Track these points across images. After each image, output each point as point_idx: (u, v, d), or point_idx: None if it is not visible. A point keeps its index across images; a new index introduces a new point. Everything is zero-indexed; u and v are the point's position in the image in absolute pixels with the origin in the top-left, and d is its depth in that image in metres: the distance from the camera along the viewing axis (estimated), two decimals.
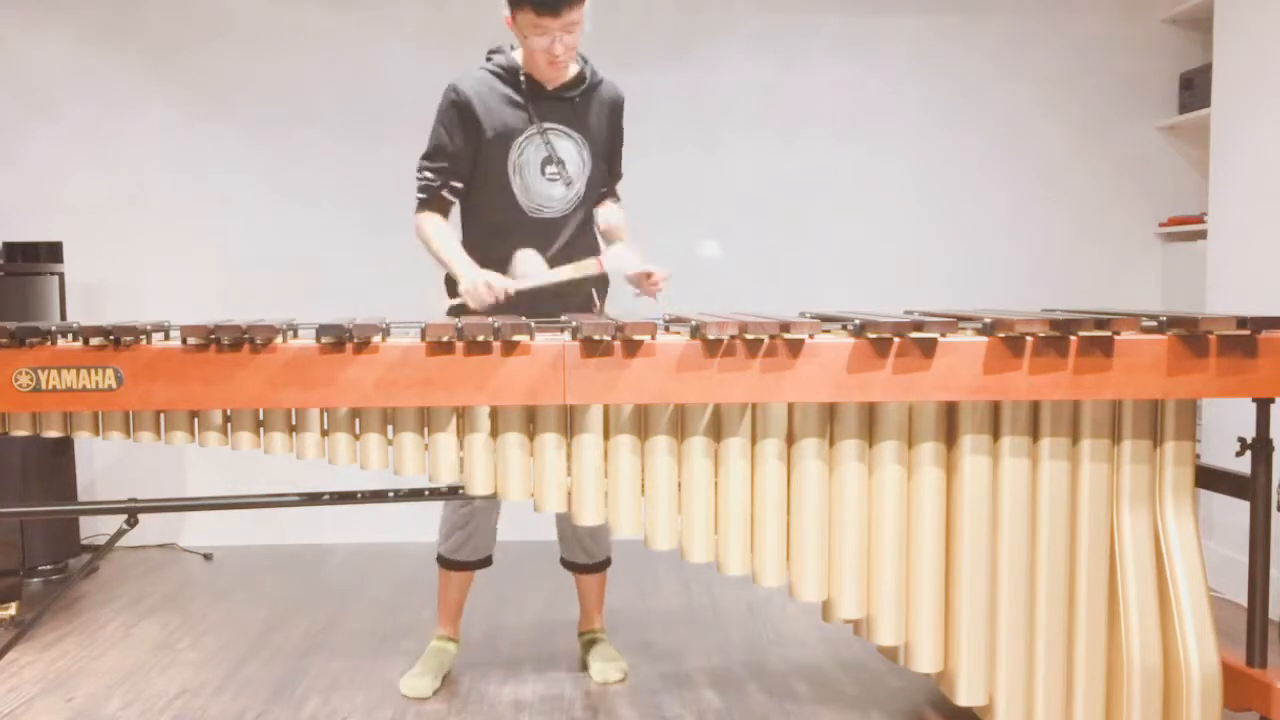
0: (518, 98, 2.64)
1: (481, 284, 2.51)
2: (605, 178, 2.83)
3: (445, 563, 2.84)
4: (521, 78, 2.64)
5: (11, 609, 3.26)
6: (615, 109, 2.78)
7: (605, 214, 2.83)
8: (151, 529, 4.14)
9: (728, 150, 4.28)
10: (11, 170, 4.21)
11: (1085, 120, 4.29)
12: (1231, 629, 2.60)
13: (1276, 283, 3.19)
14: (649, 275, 2.64)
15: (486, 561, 2.87)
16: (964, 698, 2.23)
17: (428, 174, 2.67)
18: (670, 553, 2.22)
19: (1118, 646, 2.19)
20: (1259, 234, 3.29)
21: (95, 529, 4.11)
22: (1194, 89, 4.06)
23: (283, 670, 2.94)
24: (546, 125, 2.65)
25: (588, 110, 2.70)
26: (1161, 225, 4.28)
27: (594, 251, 2.70)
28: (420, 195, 2.68)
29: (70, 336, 2.10)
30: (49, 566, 3.84)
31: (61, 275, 3.94)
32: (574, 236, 2.71)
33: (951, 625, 2.23)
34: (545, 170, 2.64)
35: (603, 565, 2.94)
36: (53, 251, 3.91)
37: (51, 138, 4.22)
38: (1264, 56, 3.27)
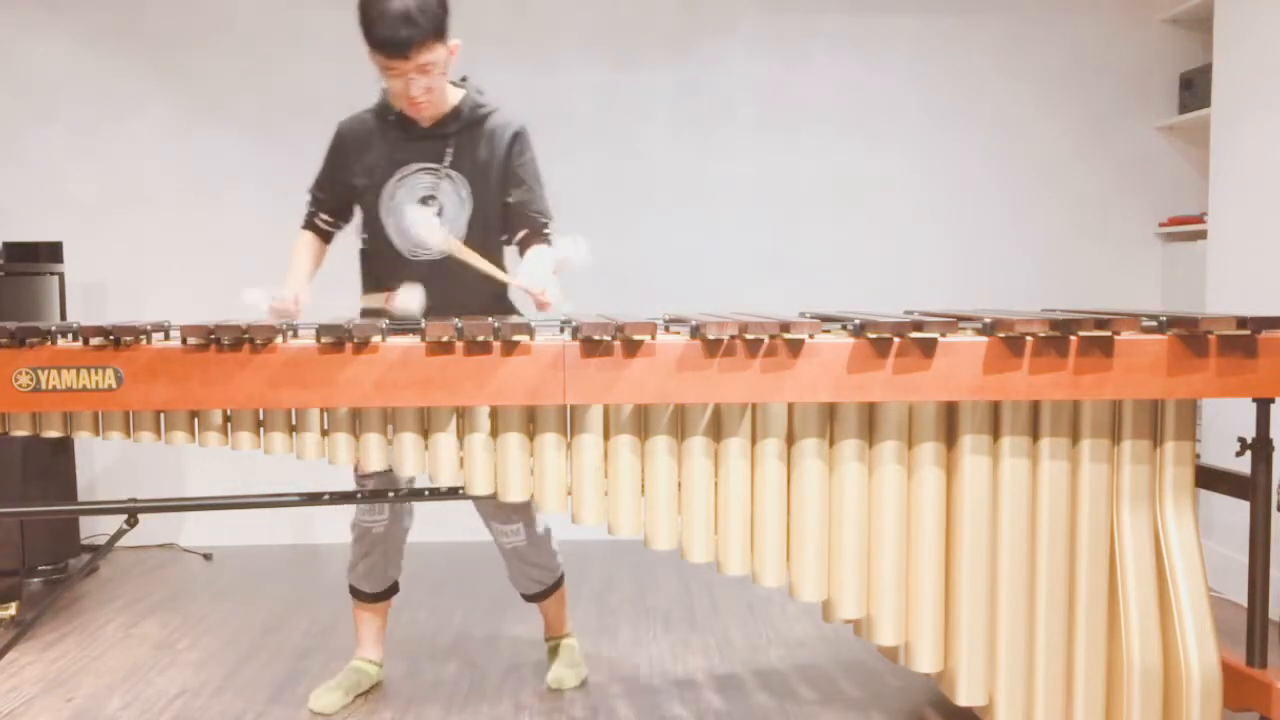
0: (390, 137, 2.55)
1: (287, 299, 2.50)
2: (513, 219, 2.60)
3: (351, 591, 2.81)
4: (392, 117, 2.55)
5: (11, 609, 3.26)
6: (508, 142, 2.56)
7: (527, 260, 2.57)
8: (151, 529, 4.13)
9: (728, 149, 4.28)
10: (11, 170, 4.21)
11: (1085, 120, 4.29)
12: (1231, 629, 2.60)
13: (1276, 283, 3.19)
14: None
15: (389, 592, 2.81)
16: (964, 698, 2.23)
17: (308, 200, 2.73)
18: (670, 553, 2.22)
19: (1118, 646, 2.19)
20: (1259, 234, 3.29)
21: (95, 529, 4.12)
22: (1194, 89, 4.06)
23: (283, 670, 2.94)
24: (420, 165, 2.53)
25: (470, 146, 2.54)
26: (1161, 225, 4.28)
27: (490, 296, 2.56)
28: (305, 215, 2.74)
29: (70, 336, 2.10)
30: (49, 566, 3.84)
31: (61, 275, 3.94)
32: (451, 282, 2.51)
33: (951, 625, 2.23)
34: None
35: (555, 586, 2.83)
36: (53, 251, 3.91)
37: (51, 138, 4.22)
38: (1264, 56, 3.27)
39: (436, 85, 2.44)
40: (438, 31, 2.37)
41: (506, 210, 2.59)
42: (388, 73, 2.42)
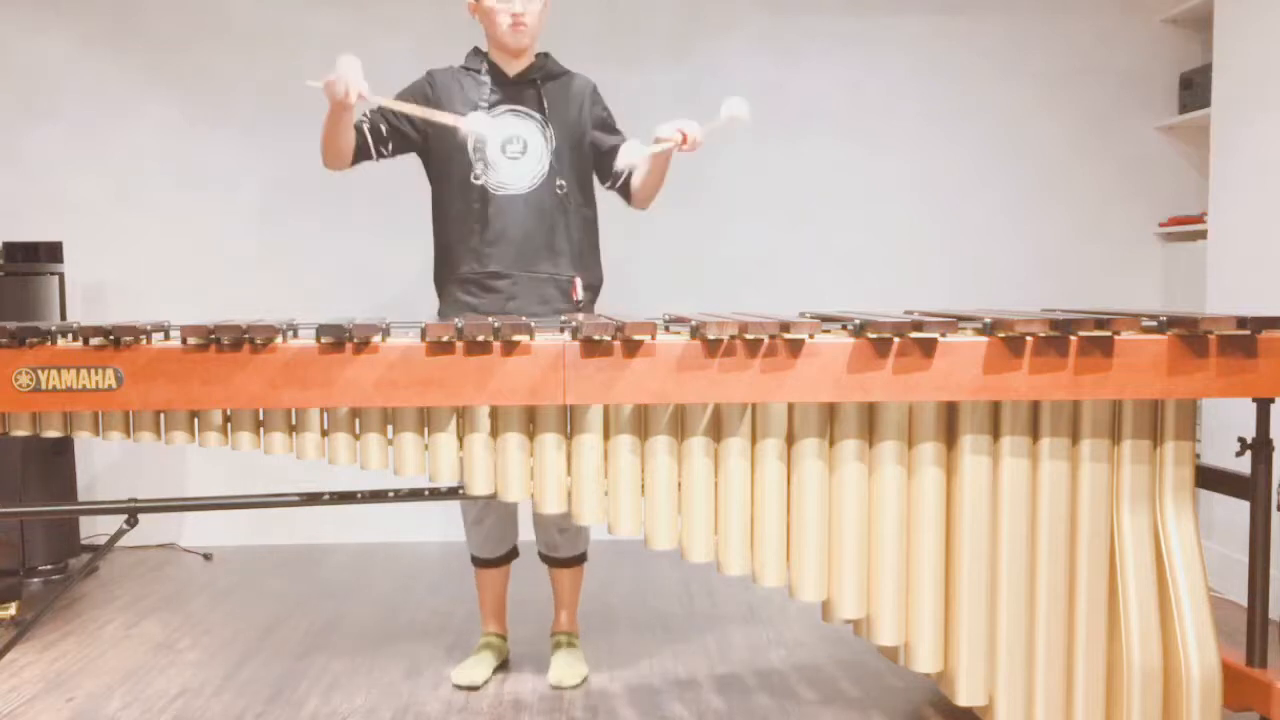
0: (479, 83, 2.74)
1: (340, 79, 2.43)
2: (587, 159, 2.82)
3: (472, 560, 2.92)
4: (484, 67, 2.74)
5: (11, 609, 3.26)
6: (588, 95, 2.83)
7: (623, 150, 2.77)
8: (151, 529, 4.13)
9: (727, 150, 4.27)
10: (11, 170, 4.21)
11: (1085, 120, 4.29)
12: (1231, 629, 2.60)
13: (1276, 283, 3.19)
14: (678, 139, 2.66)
15: (509, 556, 2.92)
16: (964, 698, 2.23)
17: (363, 114, 2.69)
18: (670, 553, 2.22)
19: (1118, 646, 2.19)
20: (1259, 234, 3.29)
21: (95, 529, 4.11)
22: (1194, 89, 4.06)
23: (283, 670, 2.94)
24: (507, 106, 2.72)
25: (554, 97, 2.76)
26: (1161, 225, 4.28)
27: (560, 246, 2.74)
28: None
29: (70, 336, 2.10)
30: (49, 566, 3.83)
31: (61, 275, 3.94)
32: (540, 219, 2.70)
33: (951, 625, 2.23)
34: (506, 149, 2.69)
35: (576, 560, 2.91)
36: (53, 251, 3.91)
37: (51, 138, 4.22)
38: (1264, 56, 3.27)
39: (533, 11, 2.67)
40: None
41: (592, 146, 2.82)
42: None
